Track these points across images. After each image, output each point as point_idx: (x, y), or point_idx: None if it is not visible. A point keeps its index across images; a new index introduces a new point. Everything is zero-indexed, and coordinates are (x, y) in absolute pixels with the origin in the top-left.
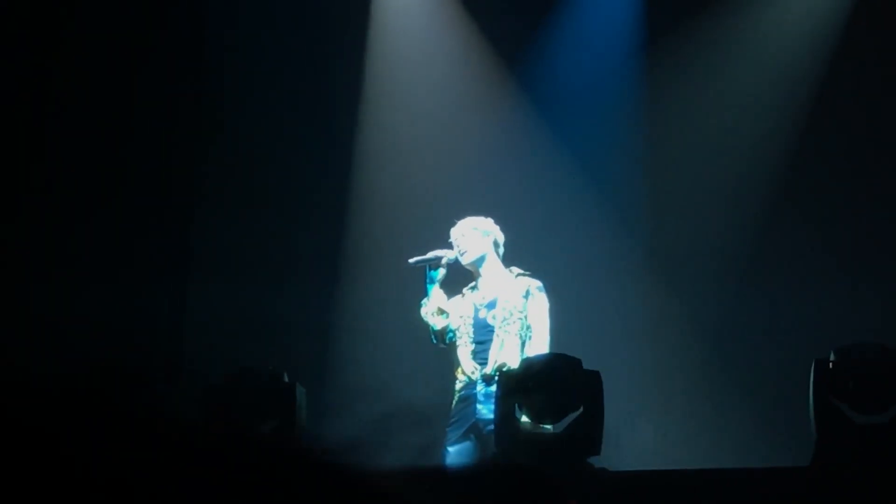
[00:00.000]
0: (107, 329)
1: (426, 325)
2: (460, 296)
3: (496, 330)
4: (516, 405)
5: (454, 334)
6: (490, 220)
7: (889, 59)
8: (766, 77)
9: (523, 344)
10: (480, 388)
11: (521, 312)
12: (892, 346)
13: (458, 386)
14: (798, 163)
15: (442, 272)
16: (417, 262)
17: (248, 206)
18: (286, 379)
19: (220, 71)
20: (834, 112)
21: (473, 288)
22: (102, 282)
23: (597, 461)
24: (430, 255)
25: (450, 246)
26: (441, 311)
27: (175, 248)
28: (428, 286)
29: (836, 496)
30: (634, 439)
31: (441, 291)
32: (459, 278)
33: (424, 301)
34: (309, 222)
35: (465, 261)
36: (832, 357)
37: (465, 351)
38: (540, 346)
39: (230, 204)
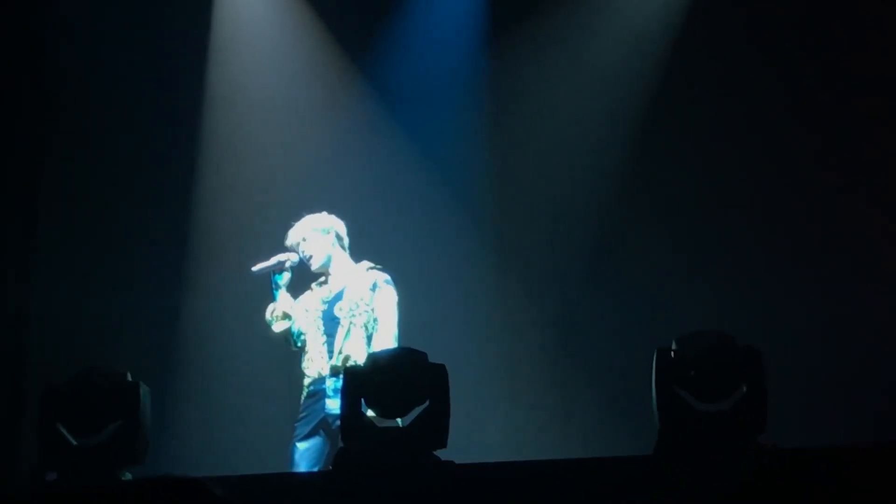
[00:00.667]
0: None
1: (269, 327)
2: (309, 290)
3: (341, 321)
4: (363, 400)
5: (303, 334)
6: (324, 215)
7: (728, 47)
8: (611, 70)
9: (370, 337)
10: (330, 383)
11: (367, 305)
12: (731, 334)
13: (307, 381)
14: (640, 157)
15: (286, 276)
16: (261, 269)
17: (92, 203)
18: (129, 378)
19: (61, 68)
20: (675, 108)
21: (322, 283)
22: None
23: (444, 454)
24: (273, 260)
25: (290, 249)
26: (284, 316)
27: (19, 247)
28: (274, 292)
29: (680, 483)
30: (482, 433)
31: (287, 295)
32: (311, 275)
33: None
34: (155, 219)
35: (313, 267)
36: (673, 346)
37: (315, 345)
38: (386, 338)
39: (74, 201)
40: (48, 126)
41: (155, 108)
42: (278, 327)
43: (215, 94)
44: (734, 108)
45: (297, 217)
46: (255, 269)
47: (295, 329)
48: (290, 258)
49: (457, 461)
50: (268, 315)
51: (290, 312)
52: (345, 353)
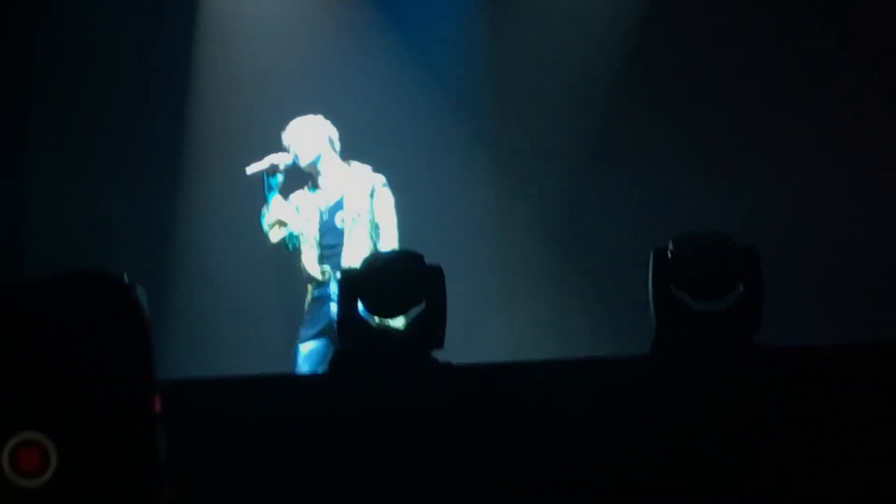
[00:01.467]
0: None
1: (266, 235)
2: (301, 192)
3: (346, 231)
4: (359, 301)
5: (297, 239)
6: (320, 118)
7: None
8: None
9: (374, 245)
10: (334, 288)
11: (368, 213)
12: (729, 235)
13: (310, 287)
14: (637, 58)
15: (280, 178)
16: (255, 172)
17: (85, 108)
18: (126, 280)
19: None
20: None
21: (313, 188)
22: None
23: (441, 355)
24: (266, 162)
25: (284, 150)
26: (280, 223)
27: (13, 151)
28: (267, 195)
29: (677, 382)
30: (480, 334)
31: (281, 199)
32: (300, 180)
33: (265, 210)
34: (147, 122)
35: (302, 162)
36: (670, 246)
37: (311, 254)
38: (388, 242)
39: (67, 104)
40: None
41: (148, 8)
42: (275, 235)
43: (206, 12)
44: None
45: (291, 119)
46: (249, 170)
47: (296, 231)
48: (283, 159)
49: (454, 362)
50: (264, 224)
51: (284, 219)
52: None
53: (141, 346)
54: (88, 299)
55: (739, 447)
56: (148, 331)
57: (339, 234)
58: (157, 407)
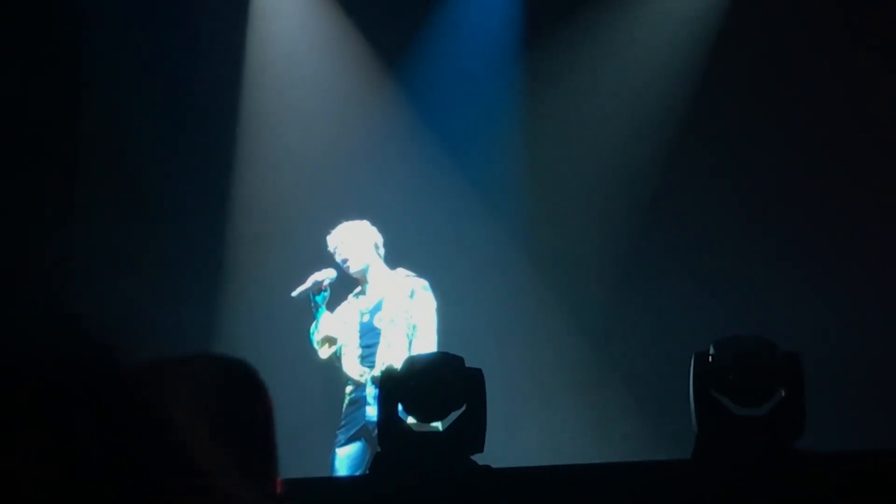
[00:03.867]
0: None
1: (316, 351)
2: (346, 302)
3: (383, 332)
4: (399, 405)
5: (340, 347)
6: (366, 223)
7: (764, 56)
8: (645, 75)
9: (410, 343)
10: (370, 390)
11: (406, 313)
12: (770, 339)
13: (349, 389)
14: (676, 161)
15: (326, 294)
16: (300, 293)
17: (128, 207)
18: None
19: (98, 66)
20: (711, 109)
21: (359, 294)
22: None
23: (480, 459)
24: (310, 282)
25: (330, 256)
26: (329, 340)
27: (56, 246)
28: (315, 312)
29: (718, 487)
30: (519, 438)
31: (329, 315)
32: (348, 286)
33: (314, 328)
34: (189, 222)
35: (350, 270)
36: (711, 350)
37: (351, 356)
38: (426, 344)
39: (111, 203)
40: (87, 123)
41: (191, 107)
42: (324, 352)
43: (250, 96)
44: (773, 108)
45: (333, 223)
46: (294, 294)
47: (338, 347)
48: (326, 276)
49: (494, 466)
50: (314, 341)
51: (332, 334)
52: (388, 363)
53: (265, 428)
54: (215, 380)
55: None
56: (271, 413)
57: (378, 334)
58: (279, 489)
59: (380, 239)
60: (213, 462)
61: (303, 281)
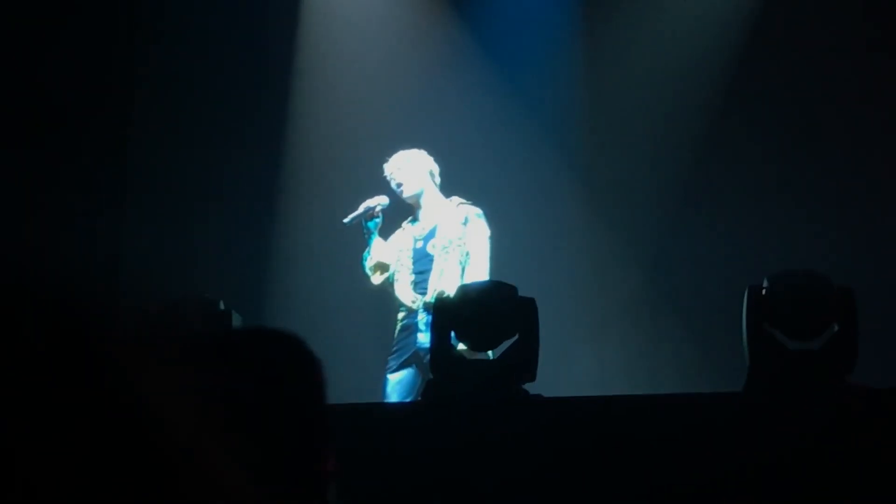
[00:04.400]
0: (41, 260)
1: (368, 278)
2: (400, 230)
3: (436, 258)
4: (452, 332)
5: (393, 273)
6: (423, 152)
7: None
8: (706, 6)
9: (463, 271)
10: (422, 316)
11: (460, 240)
12: (824, 274)
13: (401, 315)
14: (736, 90)
15: (378, 221)
16: (352, 219)
17: (183, 134)
18: (222, 307)
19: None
20: (773, 41)
21: (413, 220)
22: (35, 213)
23: (532, 388)
24: (362, 208)
25: (386, 184)
26: (381, 267)
27: (109, 177)
28: (368, 239)
29: (769, 420)
30: (570, 367)
31: (381, 241)
32: (402, 214)
33: (366, 254)
34: (245, 149)
35: (404, 195)
36: (765, 284)
37: (404, 282)
38: (478, 272)
39: (165, 130)
40: (139, 54)
41: (248, 38)
42: (376, 279)
43: (308, 26)
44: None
45: (390, 153)
46: (346, 220)
47: (390, 274)
48: (378, 202)
49: (545, 395)
50: (366, 268)
51: (385, 261)
52: (440, 290)
53: (317, 405)
54: (271, 355)
55: (832, 488)
56: (323, 389)
57: (431, 261)
58: (331, 466)
59: (435, 167)
60: (216, 454)
61: (355, 208)
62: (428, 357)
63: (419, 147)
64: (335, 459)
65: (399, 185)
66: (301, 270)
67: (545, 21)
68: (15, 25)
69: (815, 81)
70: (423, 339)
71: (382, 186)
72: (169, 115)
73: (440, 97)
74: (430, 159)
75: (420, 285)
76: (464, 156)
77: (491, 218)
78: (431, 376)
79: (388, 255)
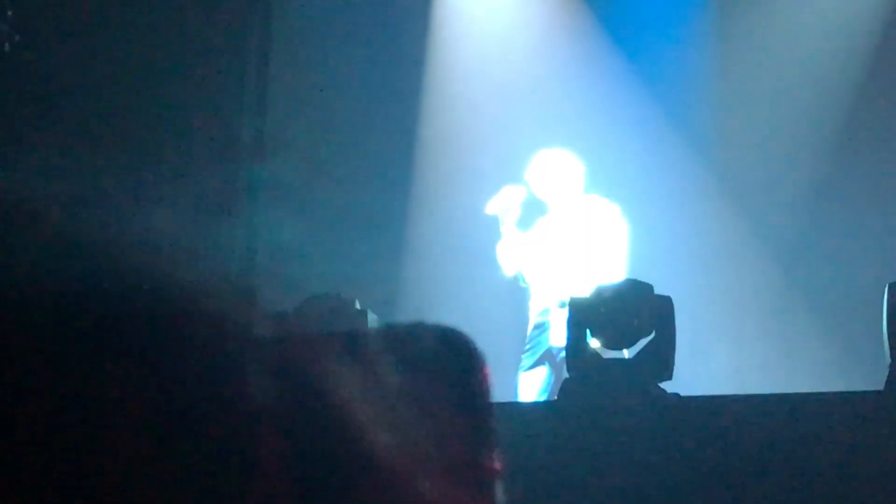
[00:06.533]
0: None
1: (501, 268)
2: (536, 224)
3: (572, 256)
4: (587, 331)
5: (522, 272)
6: (567, 153)
7: None
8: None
9: (600, 269)
10: (556, 314)
11: (597, 237)
12: None
13: (534, 312)
14: (873, 86)
15: (517, 213)
16: (492, 209)
17: (316, 131)
18: (358, 306)
19: None
20: None
21: (550, 217)
22: (170, 210)
23: (669, 387)
24: (502, 199)
25: (521, 177)
26: (514, 260)
27: (244, 173)
28: (505, 229)
29: None
30: (708, 365)
31: (517, 233)
32: (540, 207)
33: (501, 244)
34: (379, 147)
35: (544, 197)
36: None
37: (539, 278)
38: (615, 269)
39: (299, 129)
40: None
41: (380, 37)
42: (509, 270)
43: (440, 20)
44: None
45: (526, 152)
46: (488, 208)
47: (528, 263)
48: (520, 194)
49: (681, 393)
50: (500, 258)
51: (519, 252)
52: (576, 288)
53: (483, 402)
54: (437, 351)
55: None
56: (488, 387)
57: (567, 258)
58: (497, 465)
59: (579, 168)
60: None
61: (491, 200)
62: (562, 355)
63: (555, 145)
64: (501, 458)
65: (541, 185)
66: (434, 267)
67: (679, 16)
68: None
69: None
70: (556, 337)
71: (516, 182)
72: (302, 113)
73: (574, 94)
74: (574, 159)
75: (556, 282)
76: (600, 154)
77: (627, 214)
78: (566, 375)
79: (525, 249)
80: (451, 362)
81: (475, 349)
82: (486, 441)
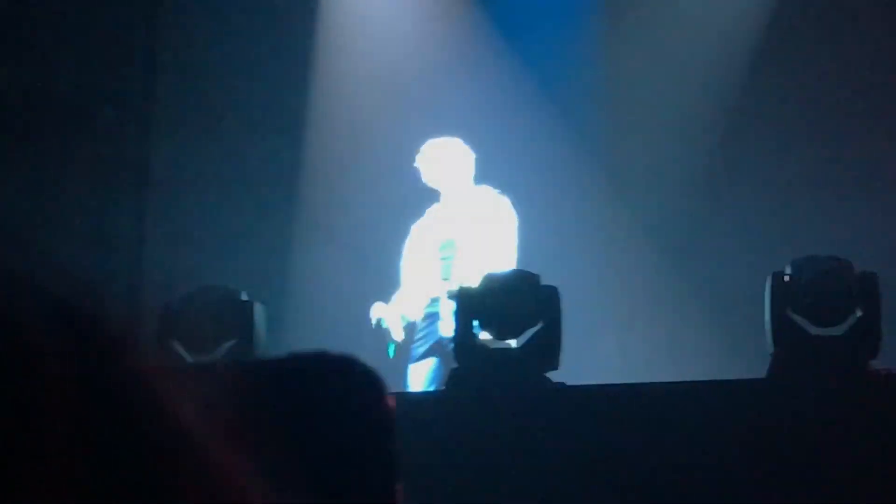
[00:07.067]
0: (64, 246)
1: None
2: (425, 216)
3: (461, 247)
4: (476, 321)
5: (417, 260)
6: (457, 141)
7: None
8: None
9: (488, 260)
10: (445, 305)
11: (486, 229)
12: (847, 259)
13: (424, 303)
14: (762, 72)
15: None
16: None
17: (204, 119)
18: (244, 297)
19: None
20: (797, 32)
21: (440, 208)
22: (58, 198)
23: (555, 376)
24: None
25: (416, 171)
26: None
27: (132, 163)
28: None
29: (793, 406)
30: (594, 355)
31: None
32: (430, 200)
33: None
34: (266, 136)
35: (434, 183)
36: (788, 270)
37: (428, 269)
38: (504, 261)
39: (186, 117)
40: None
41: (267, 27)
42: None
43: (327, 12)
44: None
45: (417, 142)
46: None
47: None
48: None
49: (568, 383)
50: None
51: (410, 244)
52: (464, 279)
53: (384, 432)
54: (333, 381)
55: (855, 471)
56: (391, 416)
57: (455, 249)
58: (398, 497)
59: (469, 157)
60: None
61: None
62: (451, 346)
63: (446, 135)
64: (402, 489)
65: (430, 173)
66: (321, 260)
67: (568, 9)
68: (32, 18)
69: (838, 68)
70: (445, 328)
71: (404, 174)
72: (189, 105)
73: (460, 84)
74: (464, 148)
75: (444, 273)
76: (487, 144)
77: (517, 206)
78: (455, 365)
79: (415, 239)
80: (352, 393)
81: (377, 379)
82: (386, 475)
